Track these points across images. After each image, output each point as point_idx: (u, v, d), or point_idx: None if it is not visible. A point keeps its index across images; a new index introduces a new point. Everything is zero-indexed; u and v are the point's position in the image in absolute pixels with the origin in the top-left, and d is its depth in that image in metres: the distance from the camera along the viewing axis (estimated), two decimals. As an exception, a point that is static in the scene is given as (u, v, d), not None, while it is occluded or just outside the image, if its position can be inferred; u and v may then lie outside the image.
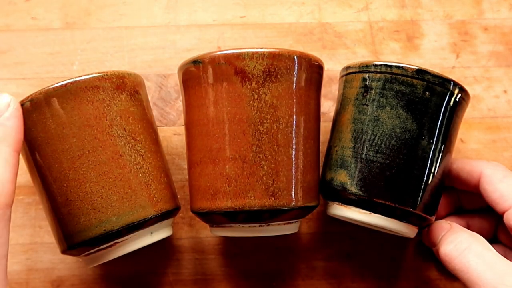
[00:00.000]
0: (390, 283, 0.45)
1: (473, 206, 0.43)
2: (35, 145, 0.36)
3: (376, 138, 0.37)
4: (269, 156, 0.36)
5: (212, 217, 0.38)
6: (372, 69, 0.38)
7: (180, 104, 0.47)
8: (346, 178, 0.38)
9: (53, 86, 0.35)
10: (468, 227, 0.43)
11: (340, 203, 0.39)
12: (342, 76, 0.41)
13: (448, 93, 0.37)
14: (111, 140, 0.36)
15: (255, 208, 0.36)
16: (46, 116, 0.35)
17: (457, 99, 0.38)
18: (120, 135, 0.36)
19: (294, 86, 0.37)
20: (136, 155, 0.37)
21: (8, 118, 0.33)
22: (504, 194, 0.38)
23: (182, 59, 0.39)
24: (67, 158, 0.35)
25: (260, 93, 0.36)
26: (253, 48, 0.36)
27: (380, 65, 0.37)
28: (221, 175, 0.36)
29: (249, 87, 0.36)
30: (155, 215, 0.37)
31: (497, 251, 0.36)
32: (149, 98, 0.43)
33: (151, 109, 0.41)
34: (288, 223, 0.38)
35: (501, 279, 0.34)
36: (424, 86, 0.36)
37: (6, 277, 0.31)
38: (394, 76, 0.37)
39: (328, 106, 0.47)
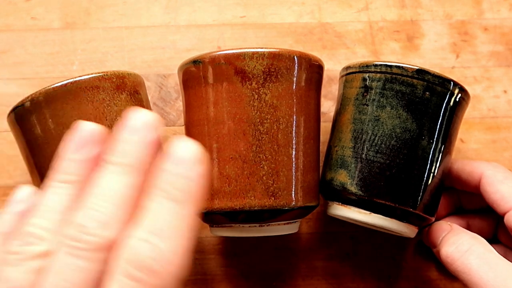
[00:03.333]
0: (390, 283, 0.45)
1: (473, 207, 0.43)
2: (35, 145, 0.36)
3: (376, 138, 0.37)
4: (269, 156, 0.36)
5: (212, 217, 0.38)
6: (372, 69, 0.38)
7: (180, 104, 0.47)
8: (346, 178, 0.38)
9: (53, 86, 0.35)
10: (469, 227, 0.43)
11: (340, 203, 0.39)
12: (342, 76, 0.41)
13: (448, 93, 0.37)
14: (111, 140, 0.36)
15: (255, 208, 0.36)
16: (46, 116, 0.35)
17: (457, 99, 0.38)
18: (120, 135, 0.36)
19: (294, 86, 0.37)
20: (136, 155, 0.37)
21: (201, 175, 0.26)
22: (505, 195, 0.38)
23: (182, 59, 0.39)
24: (67, 158, 0.35)
25: (260, 93, 0.36)
26: (253, 48, 0.36)
27: (380, 65, 0.37)
28: (221, 175, 0.36)
29: (249, 87, 0.36)
30: (155, 215, 0.37)
31: (497, 251, 0.36)
32: (149, 98, 0.43)
33: (151, 109, 0.41)
34: (288, 223, 0.38)
35: (503, 281, 0.34)
36: (424, 86, 0.36)
37: None
38: (394, 76, 0.37)
39: (328, 106, 0.47)
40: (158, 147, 0.27)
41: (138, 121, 0.27)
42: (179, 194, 0.26)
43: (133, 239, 0.25)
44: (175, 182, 0.26)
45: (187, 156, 0.26)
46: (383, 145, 0.37)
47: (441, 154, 0.38)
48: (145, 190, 0.27)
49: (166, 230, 0.25)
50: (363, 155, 0.37)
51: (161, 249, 0.25)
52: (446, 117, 0.37)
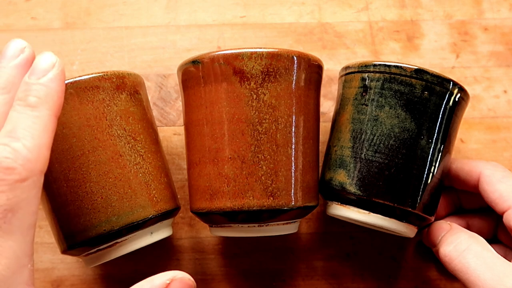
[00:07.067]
0: (390, 283, 0.45)
1: (473, 206, 0.43)
2: (35, 145, 0.36)
3: (375, 138, 0.37)
4: (268, 156, 0.36)
5: (211, 217, 0.38)
6: (371, 69, 0.38)
7: (180, 104, 0.47)
8: (345, 178, 0.38)
9: (53, 86, 0.35)
10: (468, 227, 0.43)
11: (340, 203, 0.39)
12: (342, 76, 0.41)
13: (447, 93, 0.37)
14: (111, 140, 0.36)
15: (254, 208, 0.36)
16: (46, 116, 0.35)
17: (456, 99, 0.38)
18: (120, 135, 0.36)
19: (293, 86, 0.37)
20: (136, 155, 0.37)
21: (52, 80, 0.30)
22: (503, 194, 0.38)
23: (182, 59, 0.39)
24: (67, 158, 0.35)
25: (259, 93, 0.36)
26: (252, 48, 0.36)
27: (379, 65, 0.37)
28: (220, 175, 0.36)
29: (247, 87, 0.36)
30: (155, 215, 0.37)
31: (497, 251, 0.36)
32: (149, 98, 0.43)
33: (151, 109, 0.41)
34: (287, 223, 0.38)
35: (500, 280, 0.34)
36: (423, 86, 0.36)
37: (32, 247, 0.29)
38: (393, 76, 0.37)
39: (328, 106, 0.47)
40: (27, 65, 0.32)
41: (6, 50, 0.32)
42: (32, 99, 0.30)
43: None
44: (29, 90, 0.30)
45: (40, 65, 0.31)
46: (381, 144, 0.37)
47: (440, 153, 0.38)
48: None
49: (21, 131, 0.29)
50: (362, 155, 0.37)
51: (15, 148, 0.28)
52: (445, 117, 0.37)
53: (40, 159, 0.29)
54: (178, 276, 0.32)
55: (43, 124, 0.29)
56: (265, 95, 0.36)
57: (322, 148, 0.42)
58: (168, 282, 0.31)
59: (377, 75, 0.37)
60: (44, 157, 0.29)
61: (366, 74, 0.38)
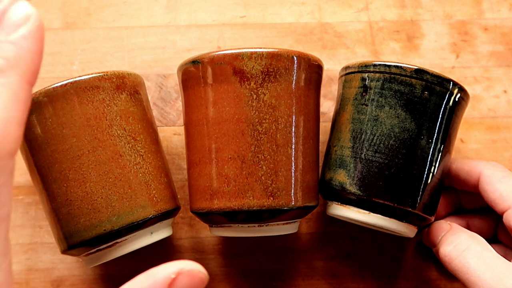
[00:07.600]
0: (390, 283, 0.45)
1: (473, 206, 0.43)
2: (35, 145, 0.36)
3: (375, 138, 0.37)
4: (268, 156, 0.36)
5: (211, 217, 0.38)
6: (371, 69, 0.38)
7: (180, 104, 0.47)
8: (345, 178, 0.38)
9: (53, 86, 0.35)
10: (468, 227, 0.43)
11: (340, 203, 0.39)
12: (342, 76, 0.41)
13: (447, 93, 0.37)
14: (111, 140, 0.36)
15: (254, 208, 0.36)
16: (46, 116, 0.35)
17: (456, 99, 0.38)
18: (120, 135, 0.36)
19: (293, 86, 0.37)
20: (136, 155, 0.37)
21: (25, 37, 0.23)
22: (503, 194, 0.38)
23: (182, 59, 0.39)
24: (67, 158, 0.35)
25: (259, 93, 0.36)
26: (252, 48, 0.36)
27: (379, 65, 0.37)
28: (220, 175, 0.36)
29: (247, 87, 0.36)
30: (155, 215, 0.37)
31: (497, 251, 0.36)
32: (149, 98, 0.43)
33: (151, 109, 0.41)
34: (287, 223, 0.38)
35: (500, 279, 0.34)
36: (423, 86, 0.36)
37: (7, 245, 0.24)
38: (393, 76, 0.37)
39: (328, 106, 0.47)
40: None
41: None
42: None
43: None
44: None
45: (10, 19, 0.24)
46: (381, 144, 0.37)
47: (440, 153, 0.38)
48: None
49: None
50: (362, 155, 0.37)
51: None
52: (445, 117, 0.37)
53: (8, 137, 0.23)
54: (186, 268, 0.26)
55: (11, 93, 0.23)
56: (265, 95, 0.36)
57: (322, 148, 0.42)
58: (173, 276, 0.25)
59: (377, 75, 0.37)
60: (14, 135, 0.23)
61: (366, 74, 0.38)
